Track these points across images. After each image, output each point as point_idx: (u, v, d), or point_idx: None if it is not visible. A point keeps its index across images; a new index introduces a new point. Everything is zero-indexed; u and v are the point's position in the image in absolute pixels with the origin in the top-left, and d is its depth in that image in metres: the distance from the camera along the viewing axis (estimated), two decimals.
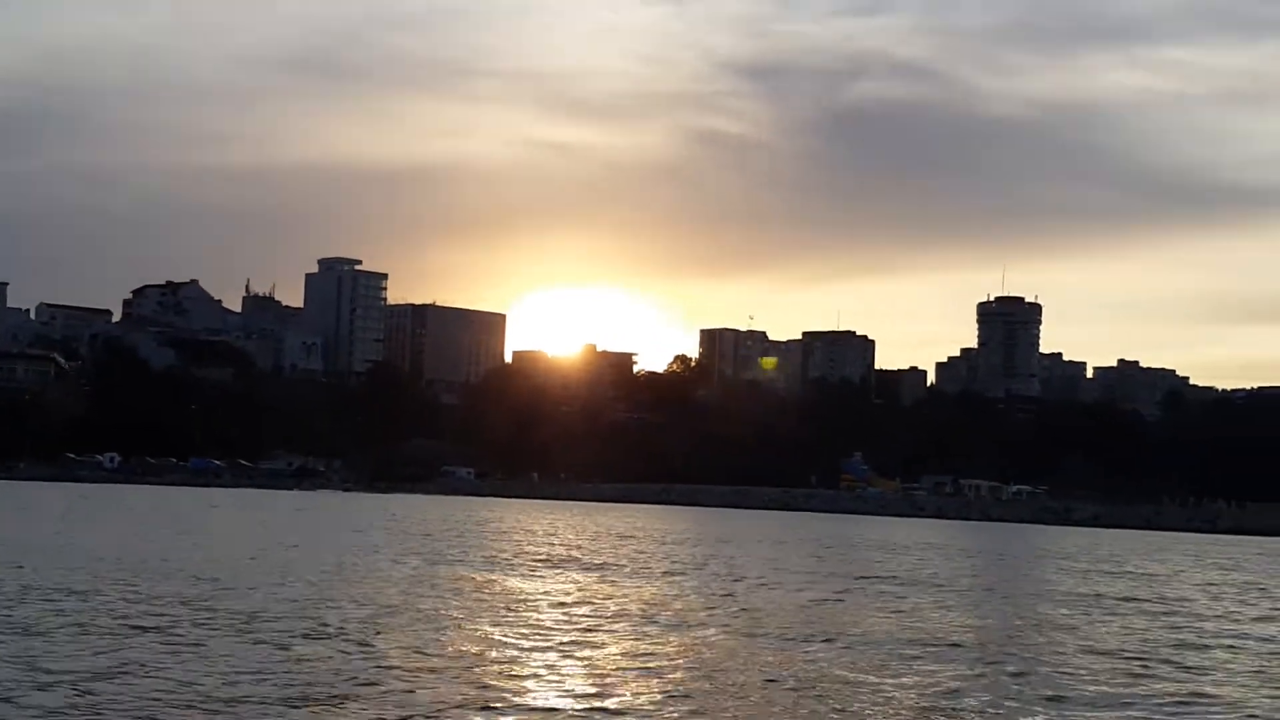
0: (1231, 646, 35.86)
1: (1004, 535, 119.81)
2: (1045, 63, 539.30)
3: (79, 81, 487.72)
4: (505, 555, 62.90)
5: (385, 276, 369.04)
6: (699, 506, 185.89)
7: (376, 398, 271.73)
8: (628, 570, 55.98)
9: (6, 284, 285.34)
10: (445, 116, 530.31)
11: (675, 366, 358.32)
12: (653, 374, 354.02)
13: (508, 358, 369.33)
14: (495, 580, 48.42)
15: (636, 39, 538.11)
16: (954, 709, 24.02)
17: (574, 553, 67.14)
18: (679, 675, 26.61)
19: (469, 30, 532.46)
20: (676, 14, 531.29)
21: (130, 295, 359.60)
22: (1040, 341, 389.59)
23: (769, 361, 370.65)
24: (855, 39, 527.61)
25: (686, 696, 24.16)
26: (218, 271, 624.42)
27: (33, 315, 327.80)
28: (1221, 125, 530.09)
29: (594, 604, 40.71)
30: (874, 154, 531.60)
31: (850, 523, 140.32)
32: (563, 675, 26.35)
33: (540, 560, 60.43)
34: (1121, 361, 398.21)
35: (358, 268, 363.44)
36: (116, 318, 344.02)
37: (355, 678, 24.72)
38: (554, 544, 74.98)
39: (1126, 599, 50.62)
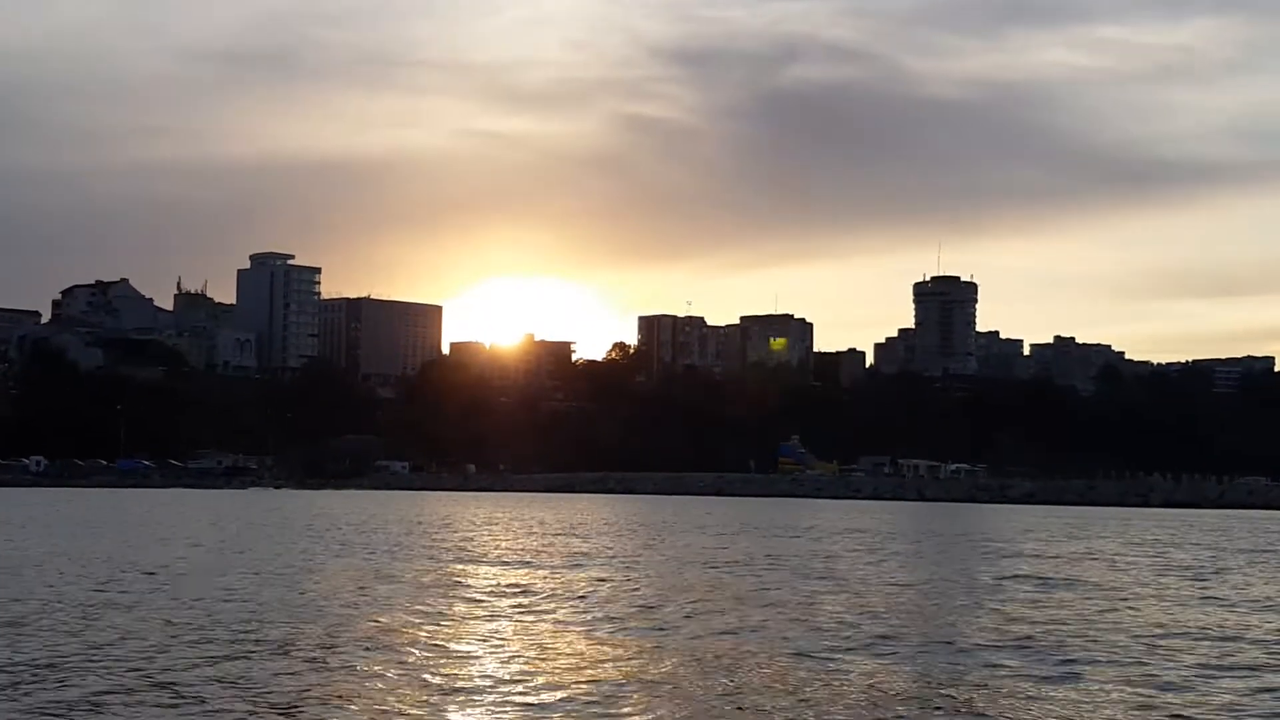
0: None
1: (933, 516, 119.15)
2: (977, 43, 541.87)
3: (12, 80, 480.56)
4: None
5: (319, 271, 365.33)
6: (635, 494, 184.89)
7: (310, 394, 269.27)
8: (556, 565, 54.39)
9: None
10: (379, 109, 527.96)
11: (614, 354, 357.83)
12: (591, 362, 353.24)
13: (445, 350, 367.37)
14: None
15: (567, 26, 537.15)
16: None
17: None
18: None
19: (402, 22, 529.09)
20: None
21: (60, 296, 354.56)
22: (977, 320, 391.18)
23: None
24: (785, 22, 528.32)
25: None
26: (151, 270, 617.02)
27: None
28: (1155, 101, 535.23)
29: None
30: (807, 138, 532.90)
31: (781, 507, 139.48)
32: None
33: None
34: (1057, 338, 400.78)
35: (291, 262, 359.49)
36: (47, 319, 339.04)
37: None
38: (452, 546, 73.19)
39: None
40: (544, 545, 65.61)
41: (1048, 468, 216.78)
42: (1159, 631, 32.32)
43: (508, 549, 62.55)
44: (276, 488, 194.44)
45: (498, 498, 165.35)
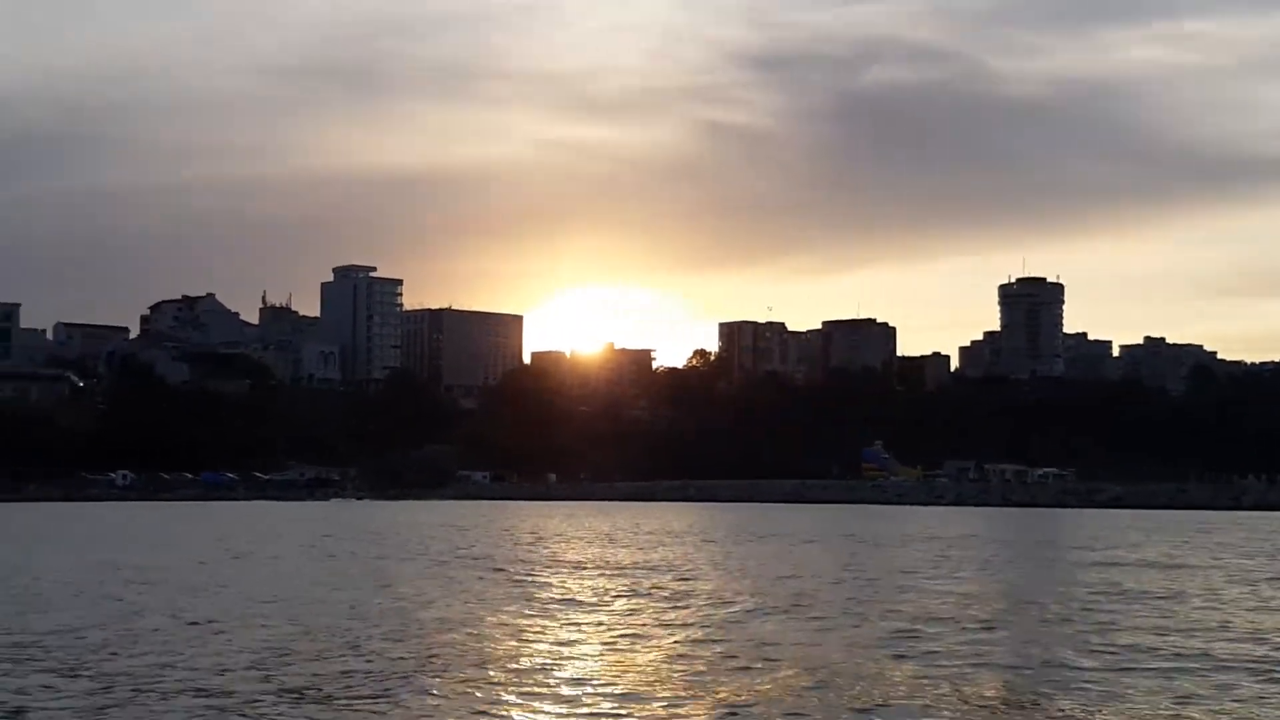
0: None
1: (1018, 522, 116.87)
2: (1062, 41, 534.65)
3: (103, 100, 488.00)
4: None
5: (400, 282, 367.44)
6: (715, 502, 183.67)
7: (394, 405, 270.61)
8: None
9: (19, 305, 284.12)
10: (460, 121, 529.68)
11: (694, 361, 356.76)
12: (672, 370, 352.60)
13: (526, 359, 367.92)
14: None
15: (645, 34, 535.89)
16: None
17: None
18: None
19: (478, 34, 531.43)
20: (683, 6, 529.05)
21: (148, 311, 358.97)
22: (1064, 321, 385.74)
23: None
24: (865, 25, 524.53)
25: None
26: (237, 284, 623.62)
27: (50, 335, 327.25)
28: (1245, 96, 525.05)
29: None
30: (889, 140, 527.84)
31: (862, 513, 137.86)
32: None
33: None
34: (1147, 339, 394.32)
35: (373, 274, 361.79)
36: (135, 335, 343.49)
37: None
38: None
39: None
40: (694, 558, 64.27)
41: (1138, 470, 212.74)
42: None
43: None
44: (358, 499, 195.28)
45: (579, 506, 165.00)
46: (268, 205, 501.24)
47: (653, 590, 45.42)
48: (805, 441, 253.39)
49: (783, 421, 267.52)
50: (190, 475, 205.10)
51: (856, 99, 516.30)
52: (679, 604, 40.65)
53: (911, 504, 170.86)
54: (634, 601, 41.44)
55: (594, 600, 42.04)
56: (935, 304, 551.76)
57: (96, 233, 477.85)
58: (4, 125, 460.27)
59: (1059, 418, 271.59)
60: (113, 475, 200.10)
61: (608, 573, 53.96)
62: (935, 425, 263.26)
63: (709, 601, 41.46)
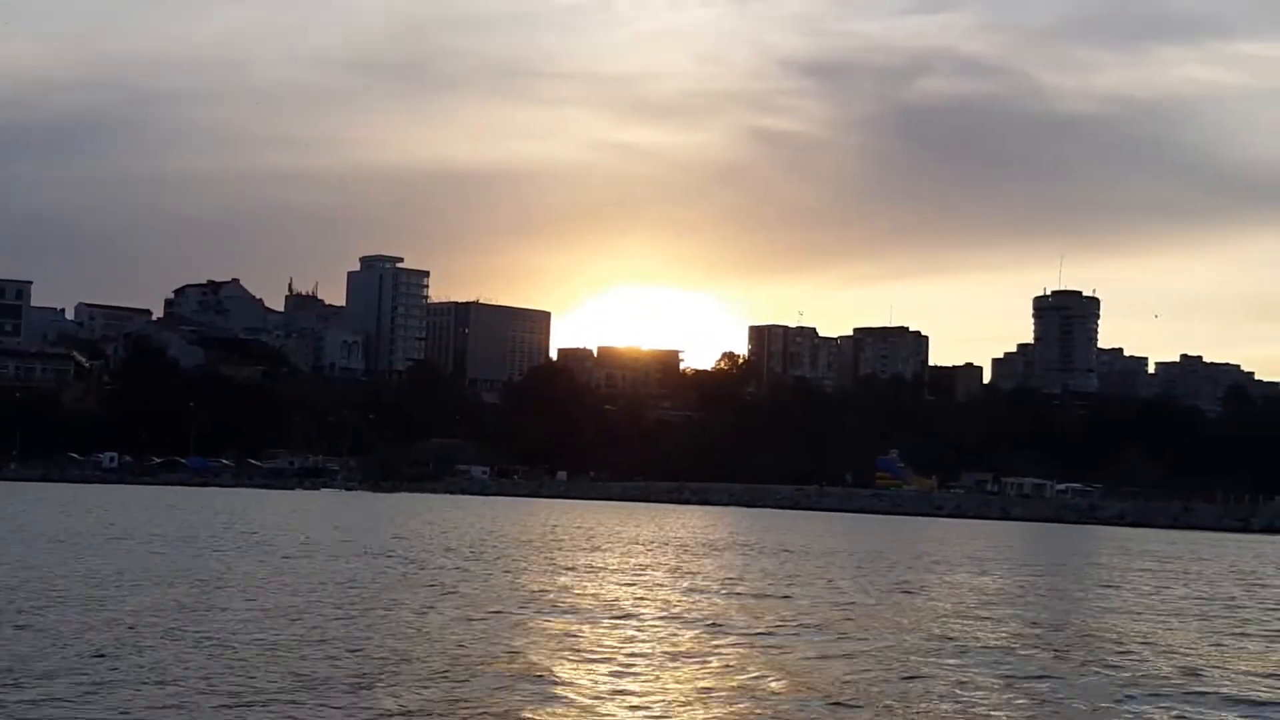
0: None
1: (972, 535, 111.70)
2: (1114, 57, 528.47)
3: (155, 88, 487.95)
4: None
5: (427, 274, 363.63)
6: (710, 506, 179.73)
7: (413, 396, 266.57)
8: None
9: (30, 283, 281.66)
10: (506, 119, 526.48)
11: (723, 364, 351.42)
12: (700, 371, 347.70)
13: (554, 356, 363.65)
14: None
15: (696, 38, 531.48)
16: None
17: None
18: None
19: (528, 33, 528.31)
20: (736, 12, 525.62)
21: (172, 295, 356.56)
22: (1099, 336, 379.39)
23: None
24: (918, 36, 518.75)
25: None
26: (268, 272, 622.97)
27: (71, 315, 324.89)
28: None
29: None
30: (935, 151, 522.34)
31: (840, 522, 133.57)
32: None
33: None
34: (1184, 356, 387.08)
35: (399, 265, 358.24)
36: (159, 317, 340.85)
37: None
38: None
39: None
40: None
41: (1170, 488, 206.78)
42: None
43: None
44: (348, 489, 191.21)
45: (569, 505, 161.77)
46: (309, 196, 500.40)
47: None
48: (831, 448, 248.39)
49: (810, 427, 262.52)
50: (181, 459, 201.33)
51: (905, 110, 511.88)
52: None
53: (909, 515, 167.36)
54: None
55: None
56: (971, 316, 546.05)
57: (139, 216, 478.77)
58: (64, 108, 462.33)
59: (1089, 432, 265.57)
60: (100, 456, 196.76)
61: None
62: (963, 436, 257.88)
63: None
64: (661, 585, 48.64)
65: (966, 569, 64.93)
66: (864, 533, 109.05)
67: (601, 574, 53.18)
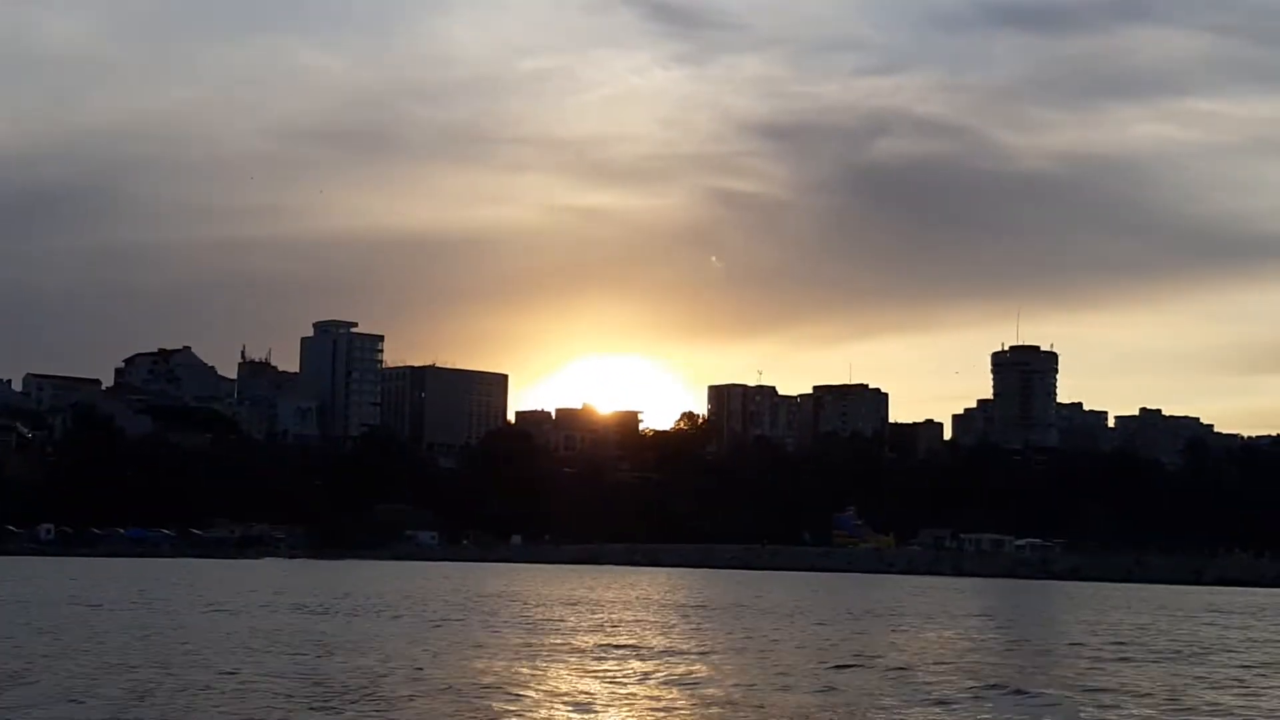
0: None
1: (896, 592, 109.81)
2: (1069, 116, 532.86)
3: (116, 158, 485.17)
4: None
5: (381, 339, 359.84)
6: (660, 568, 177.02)
7: (368, 462, 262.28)
8: None
9: None
10: (468, 185, 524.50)
11: (682, 424, 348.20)
12: (659, 433, 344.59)
13: (512, 419, 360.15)
14: None
15: (657, 102, 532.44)
16: None
17: None
18: None
19: (489, 99, 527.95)
20: (696, 76, 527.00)
21: (122, 364, 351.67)
22: (1059, 391, 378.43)
23: None
24: (875, 97, 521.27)
25: None
26: (222, 340, 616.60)
27: (18, 385, 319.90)
28: (1249, 175, 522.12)
29: None
30: (896, 212, 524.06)
31: (777, 581, 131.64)
32: None
33: None
34: (1143, 410, 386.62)
35: (354, 330, 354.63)
36: (110, 387, 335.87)
37: None
38: None
39: None
40: None
41: (1130, 541, 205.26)
42: None
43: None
44: (290, 558, 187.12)
45: (501, 569, 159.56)
46: (263, 263, 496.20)
47: None
48: (791, 507, 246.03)
49: (770, 486, 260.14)
50: (122, 531, 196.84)
51: (864, 170, 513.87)
52: None
53: (860, 572, 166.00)
54: None
55: None
56: (931, 374, 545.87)
57: (93, 286, 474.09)
58: (17, 182, 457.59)
59: (1052, 487, 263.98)
60: (38, 529, 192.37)
61: None
62: (923, 493, 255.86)
63: None
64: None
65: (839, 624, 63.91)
66: (791, 591, 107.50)
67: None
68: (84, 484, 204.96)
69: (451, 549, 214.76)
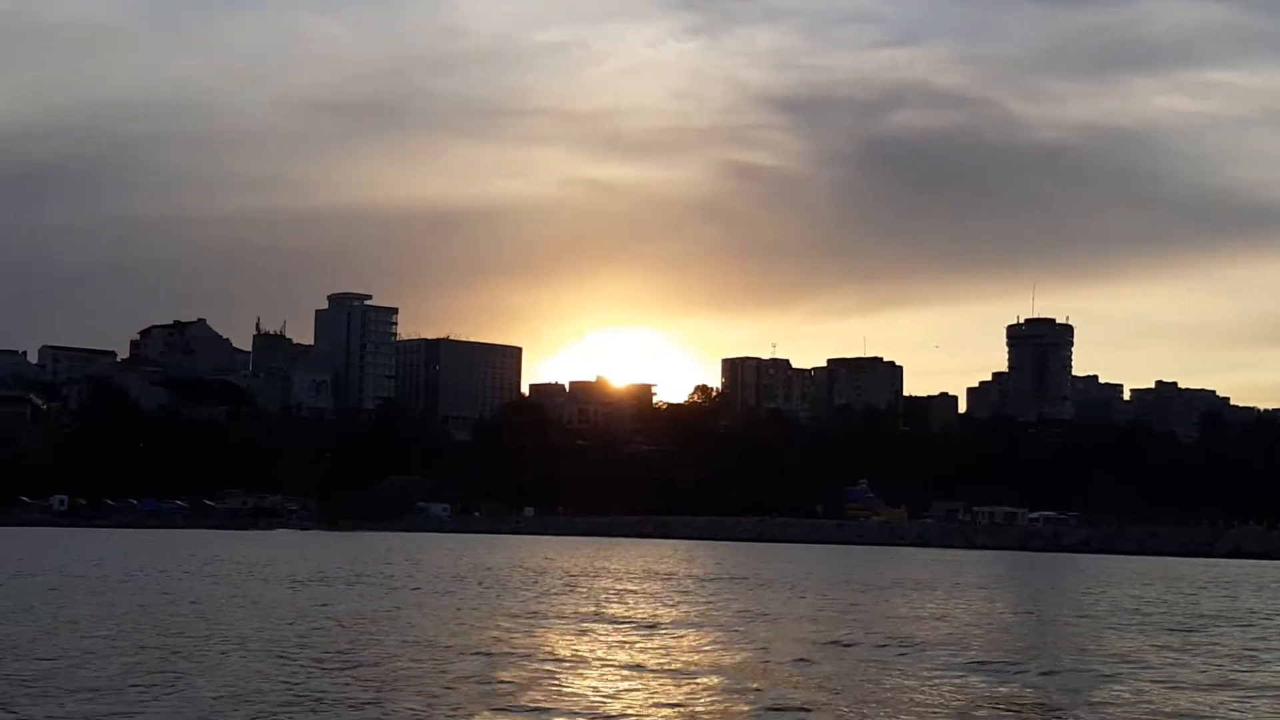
0: None
1: (901, 563, 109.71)
2: (1085, 88, 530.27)
3: (133, 132, 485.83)
4: None
5: (395, 311, 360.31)
6: (673, 539, 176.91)
7: (382, 435, 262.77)
8: None
9: None
10: (482, 158, 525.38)
11: (695, 397, 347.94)
12: (673, 405, 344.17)
13: (526, 392, 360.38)
14: None
15: (671, 74, 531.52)
16: None
17: None
18: None
19: (503, 72, 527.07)
20: (711, 48, 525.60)
21: (137, 336, 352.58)
22: (1074, 364, 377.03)
23: None
24: (891, 69, 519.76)
25: None
26: (237, 312, 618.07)
27: (34, 358, 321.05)
28: (1265, 146, 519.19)
29: None
30: (910, 184, 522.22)
31: (792, 553, 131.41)
32: None
33: None
34: (1159, 383, 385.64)
35: (368, 303, 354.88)
36: (125, 359, 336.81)
37: None
38: None
39: None
40: None
41: (1144, 514, 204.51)
42: None
43: None
44: (303, 529, 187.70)
45: (510, 540, 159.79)
46: (278, 236, 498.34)
47: None
48: (805, 480, 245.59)
49: (784, 459, 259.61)
50: (135, 502, 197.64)
51: (879, 142, 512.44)
52: None
53: (871, 544, 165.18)
54: None
55: None
56: (946, 346, 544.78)
57: (108, 259, 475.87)
58: (33, 155, 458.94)
59: (1066, 460, 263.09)
60: (51, 500, 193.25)
61: None
62: (937, 466, 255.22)
63: None
64: None
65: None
66: (791, 562, 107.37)
67: None
68: (98, 455, 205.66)
69: (462, 521, 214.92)
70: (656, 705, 27.15)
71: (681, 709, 26.73)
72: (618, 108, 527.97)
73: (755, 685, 29.81)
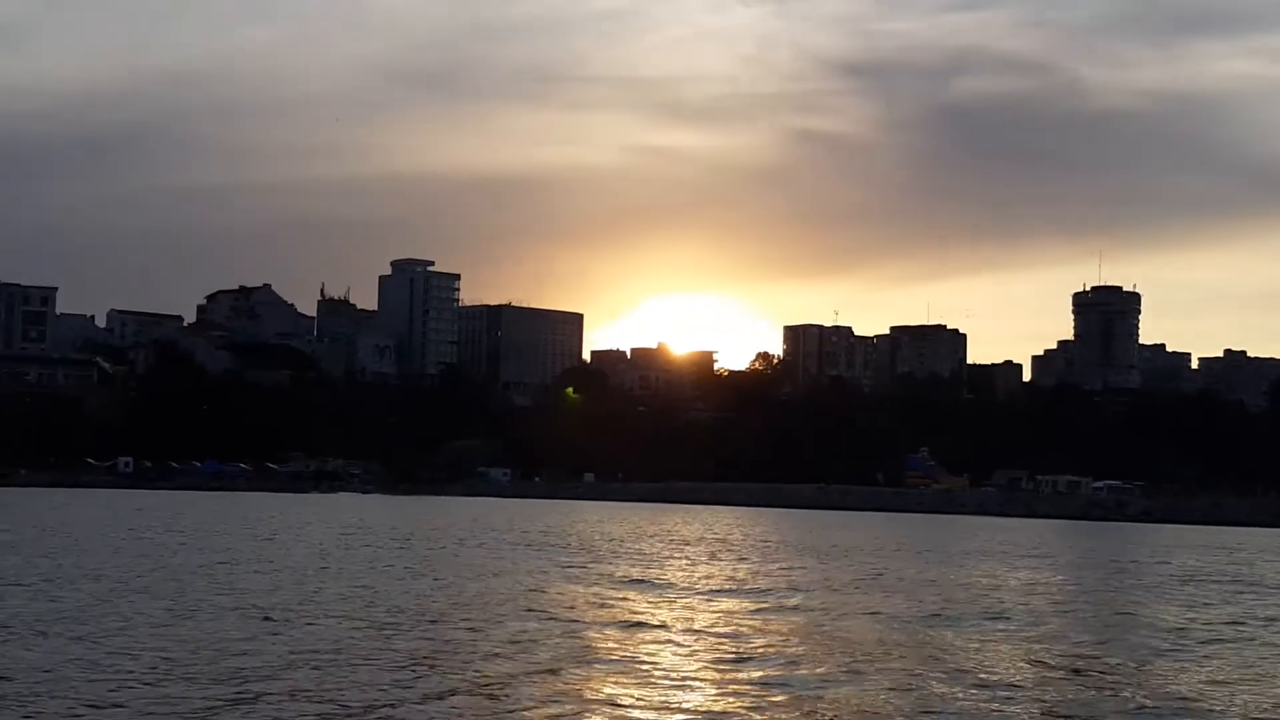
0: None
1: (955, 533, 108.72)
2: (1153, 53, 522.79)
3: (193, 101, 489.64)
4: None
5: (458, 277, 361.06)
6: (730, 506, 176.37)
7: (444, 400, 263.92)
8: None
9: (55, 290, 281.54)
10: (543, 125, 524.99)
11: (757, 364, 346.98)
12: (734, 373, 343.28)
13: (587, 359, 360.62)
14: None
15: (737, 40, 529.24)
16: None
17: None
18: None
19: (562, 39, 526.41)
20: (776, 13, 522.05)
21: (204, 301, 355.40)
22: (1141, 333, 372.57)
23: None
24: (958, 35, 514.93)
25: None
26: (303, 278, 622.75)
27: (102, 322, 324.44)
28: None
29: None
30: (976, 150, 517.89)
31: (849, 520, 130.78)
32: None
33: None
34: (1228, 352, 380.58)
35: (430, 268, 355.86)
36: (191, 323, 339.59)
37: None
38: None
39: None
40: None
41: (1210, 484, 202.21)
42: None
43: None
44: (364, 493, 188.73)
45: (567, 505, 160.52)
46: (342, 203, 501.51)
47: None
48: (867, 448, 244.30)
49: (845, 427, 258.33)
50: (198, 464, 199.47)
51: (945, 108, 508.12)
52: None
53: (929, 512, 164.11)
54: None
55: None
56: (1012, 314, 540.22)
57: (175, 225, 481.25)
58: (101, 122, 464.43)
59: (1132, 429, 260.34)
60: (116, 462, 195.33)
61: None
62: (1000, 434, 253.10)
63: None
64: None
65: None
66: (840, 529, 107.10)
67: None
68: (164, 419, 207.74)
69: (522, 485, 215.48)
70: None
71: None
72: (681, 74, 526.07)
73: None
